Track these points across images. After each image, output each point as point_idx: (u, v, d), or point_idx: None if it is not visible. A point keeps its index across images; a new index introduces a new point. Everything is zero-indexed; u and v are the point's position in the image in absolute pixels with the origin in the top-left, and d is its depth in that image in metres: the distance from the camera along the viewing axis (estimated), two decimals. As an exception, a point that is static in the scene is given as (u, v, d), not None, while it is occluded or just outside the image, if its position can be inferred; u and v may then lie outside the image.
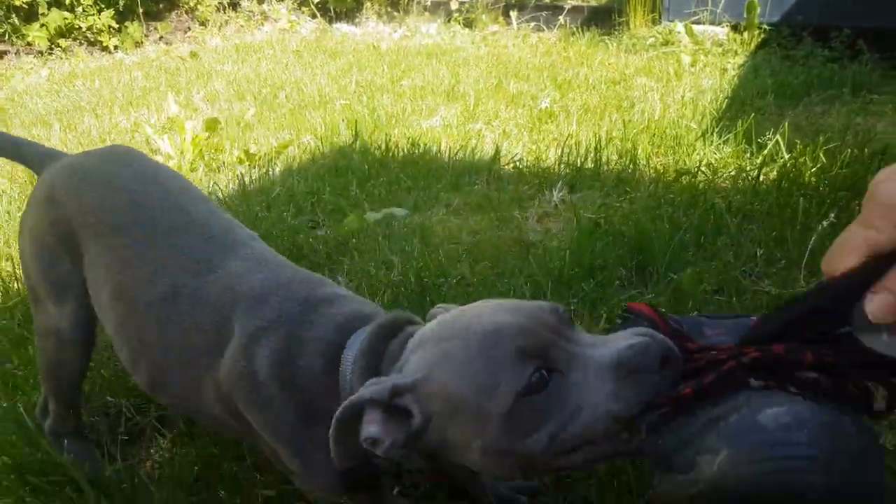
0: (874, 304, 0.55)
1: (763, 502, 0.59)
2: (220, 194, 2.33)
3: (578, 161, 2.52)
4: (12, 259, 1.83)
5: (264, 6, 6.56)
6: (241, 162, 2.62)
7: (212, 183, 2.44)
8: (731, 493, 0.60)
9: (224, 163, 2.62)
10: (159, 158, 2.66)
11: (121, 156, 1.13)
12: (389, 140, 2.78)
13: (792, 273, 1.68)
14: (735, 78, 3.86)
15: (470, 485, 1.12)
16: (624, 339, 0.70)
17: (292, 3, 6.67)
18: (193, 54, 5.01)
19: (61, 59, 5.26)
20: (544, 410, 0.69)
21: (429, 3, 6.69)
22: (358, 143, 2.76)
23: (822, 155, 2.26)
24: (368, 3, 6.70)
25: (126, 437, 1.28)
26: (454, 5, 6.40)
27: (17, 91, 4.14)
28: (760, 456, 0.59)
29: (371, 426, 0.74)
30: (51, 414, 1.17)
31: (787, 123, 2.53)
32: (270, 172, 2.53)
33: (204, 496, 1.09)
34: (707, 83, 3.68)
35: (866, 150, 2.33)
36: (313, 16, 6.57)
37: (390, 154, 2.66)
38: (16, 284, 1.74)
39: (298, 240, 1.88)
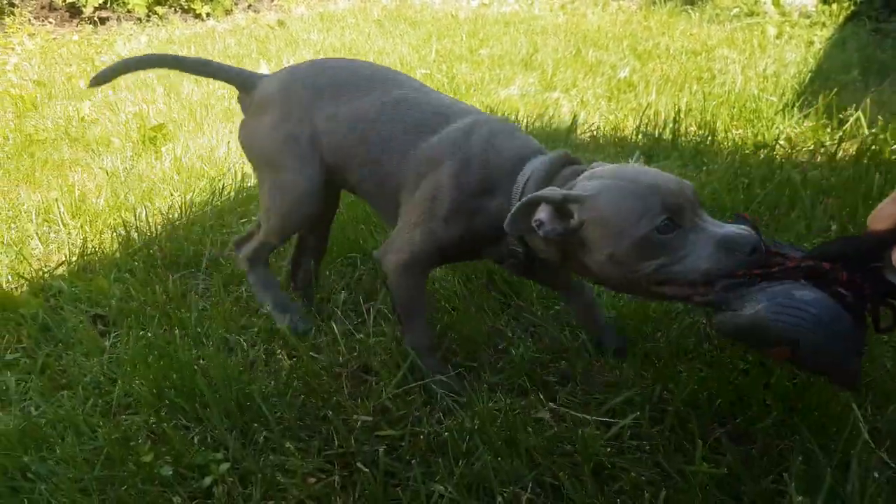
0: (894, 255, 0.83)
1: (775, 337, 0.90)
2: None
3: (657, 131, 2.54)
4: (133, 210, 2.03)
5: (347, -25, 6.68)
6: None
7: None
8: (759, 327, 0.91)
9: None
10: (256, 122, 2.83)
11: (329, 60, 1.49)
12: (470, 108, 2.86)
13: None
14: (821, 51, 3.74)
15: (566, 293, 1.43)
16: (732, 227, 0.99)
17: (374, -28, 6.75)
18: (281, 23, 5.18)
19: (158, 25, 5.54)
20: (662, 248, 1.00)
21: (508, -28, 6.65)
22: (440, 110, 2.85)
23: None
24: (448, -28, 6.72)
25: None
26: (533, -26, 6.35)
27: (120, 56, 4.41)
28: (782, 308, 0.89)
29: (542, 213, 1.05)
30: (255, 244, 1.46)
31: (868, 99, 2.47)
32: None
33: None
34: (791, 56, 3.58)
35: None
36: (394, -16, 6.63)
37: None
38: (135, 234, 1.92)
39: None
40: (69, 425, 1.19)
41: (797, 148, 2.32)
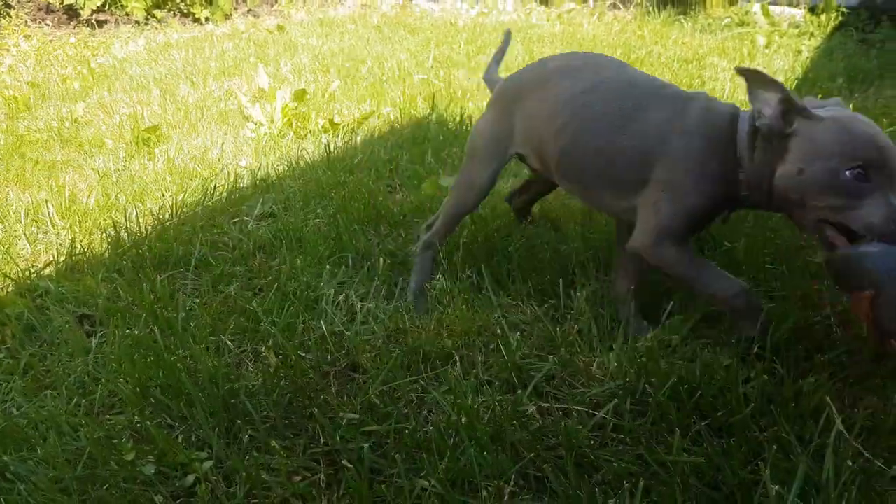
0: None
1: (867, 277, 1.06)
2: (307, 159, 2.46)
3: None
4: (124, 211, 2.00)
5: (346, -18, 6.68)
6: (325, 131, 2.74)
7: (299, 149, 2.58)
8: (859, 262, 1.08)
9: (310, 131, 2.75)
10: (251, 125, 2.81)
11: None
12: (464, 113, 2.85)
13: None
14: (808, 60, 3.75)
15: None
16: None
17: (373, -20, 6.76)
18: (280, 27, 5.17)
19: (156, 28, 5.52)
20: (842, 190, 1.10)
21: (504, -19, 6.66)
22: (434, 115, 2.85)
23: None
24: (446, -20, 6.73)
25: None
26: (530, -17, 6.36)
27: (117, 58, 4.39)
28: (886, 258, 1.05)
29: (768, 108, 1.15)
30: (434, 232, 1.64)
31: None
32: (353, 141, 2.64)
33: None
34: (779, 64, 3.59)
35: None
36: (392, -8, 6.64)
37: (464, 126, 2.73)
38: (125, 234, 1.89)
39: (377, 202, 1.98)
40: (51, 425, 1.17)
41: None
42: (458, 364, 1.35)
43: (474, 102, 3.09)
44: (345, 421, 1.17)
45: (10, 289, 1.62)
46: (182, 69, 3.87)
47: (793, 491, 0.98)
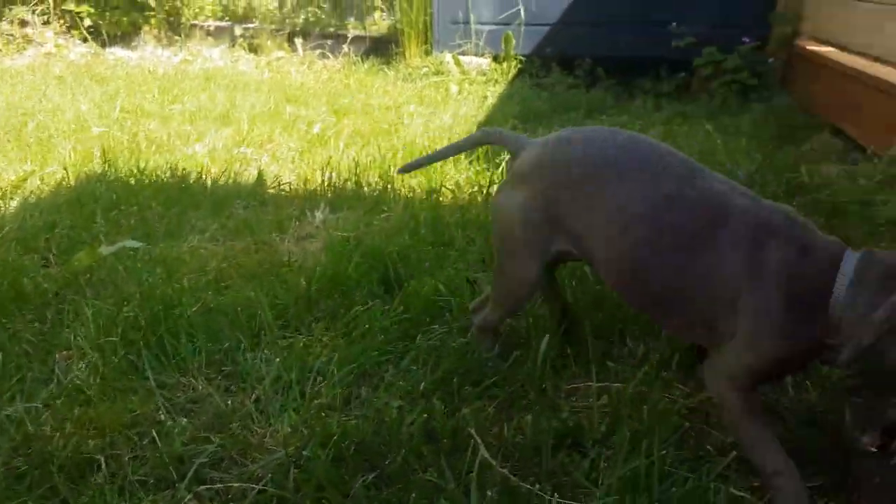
0: None
1: None
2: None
3: (341, 183, 2.52)
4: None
5: (27, 30, 5.88)
6: (-29, 199, 2.29)
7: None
8: None
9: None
10: None
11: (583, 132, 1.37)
12: (146, 167, 2.59)
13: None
14: (491, 105, 4.12)
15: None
16: None
17: (60, 26, 6.04)
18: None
19: None
20: None
21: (212, 28, 6.41)
22: (110, 171, 2.54)
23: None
24: (146, 27, 6.27)
25: None
26: (238, 31, 6.20)
27: None
28: None
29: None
30: (485, 315, 1.45)
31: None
32: (4, 209, 2.23)
33: None
34: (464, 109, 3.88)
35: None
36: (84, 39, 6.00)
37: (145, 181, 2.47)
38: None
39: (24, 280, 1.67)
40: None
41: (464, 191, 2.47)
42: (101, 469, 1.15)
43: (164, 154, 2.84)
44: None
45: None
46: None
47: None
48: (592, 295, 1.66)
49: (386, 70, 5.21)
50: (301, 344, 1.51)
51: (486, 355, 1.45)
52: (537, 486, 1.12)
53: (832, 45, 3.79)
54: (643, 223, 1.17)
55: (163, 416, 1.29)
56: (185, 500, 1.10)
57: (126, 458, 1.16)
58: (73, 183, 2.45)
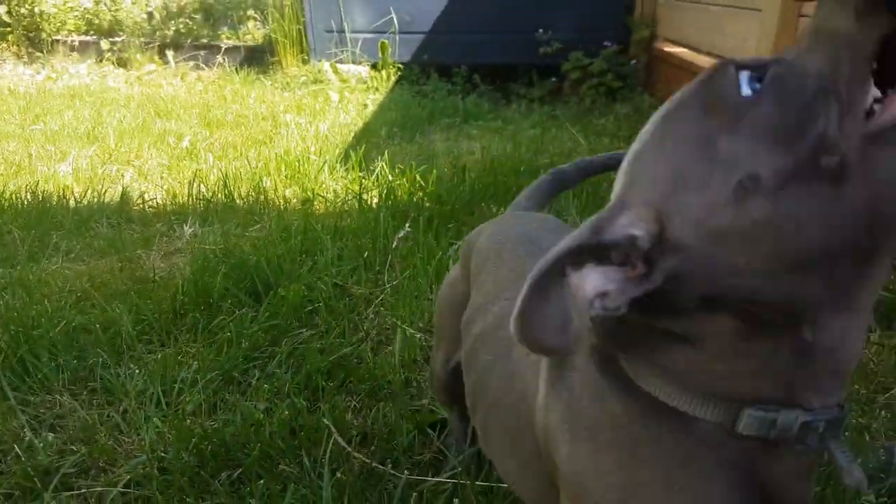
0: None
1: None
2: None
3: (210, 196, 2.56)
4: None
5: None
6: None
7: None
8: None
9: None
10: None
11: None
12: (5, 190, 2.52)
13: (381, 276, 1.93)
14: (371, 112, 4.24)
15: None
16: None
17: None
18: None
19: None
20: None
21: (77, 43, 6.16)
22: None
23: (417, 176, 2.61)
24: (4, 43, 5.95)
25: None
26: (105, 45, 5.99)
27: None
28: None
29: (587, 282, 0.52)
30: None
31: (387, 151, 2.88)
32: None
33: None
34: (344, 118, 3.98)
35: (456, 167, 2.77)
36: (-72, 56, 5.61)
37: (5, 205, 2.42)
38: None
39: None
40: None
41: (339, 198, 2.57)
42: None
43: (23, 177, 2.77)
44: None
45: None
46: None
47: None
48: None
49: (263, 79, 5.22)
50: (167, 356, 1.56)
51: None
52: (390, 466, 1.25)
53: (685, 45, 4.11)
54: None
55: (27, 433, 1.32)
56: (51, 507, 1.15)
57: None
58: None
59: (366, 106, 4.54)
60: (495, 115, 4.23)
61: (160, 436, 1.32)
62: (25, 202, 2.47)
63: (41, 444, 1.29)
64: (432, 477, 1.22)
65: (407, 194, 2.47)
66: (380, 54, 5.16)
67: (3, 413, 1.36)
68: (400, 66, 5.31)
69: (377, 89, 5.15)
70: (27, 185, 2.63)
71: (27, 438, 1.30)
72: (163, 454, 1.25)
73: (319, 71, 5.37)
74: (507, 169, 2.77)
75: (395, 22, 4.97)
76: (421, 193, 2.51)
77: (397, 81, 5.29)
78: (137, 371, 1.50)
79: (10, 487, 1.20)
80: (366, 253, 2.01)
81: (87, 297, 1.83)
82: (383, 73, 5.35)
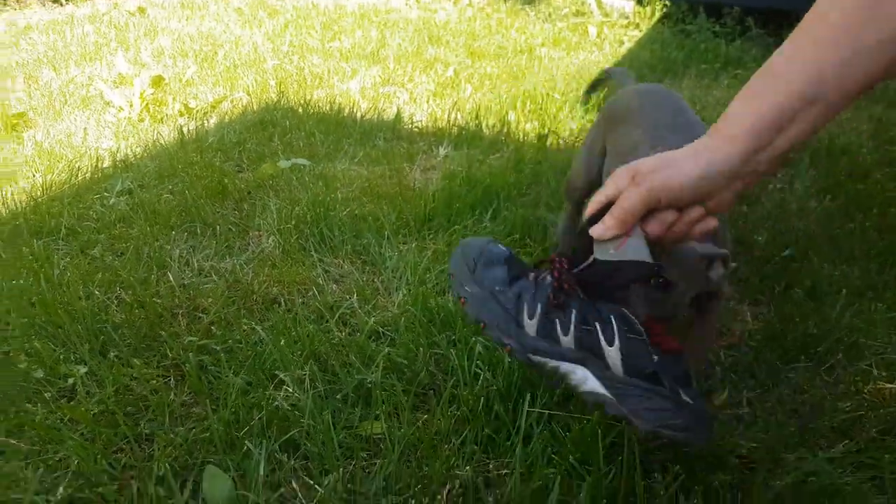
0: (594, 230, 0.95)
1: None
2: (162, 142, 2.87)
3: (464, 124, 3.13)
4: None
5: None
6: (181, 115, 3.15)
7: (155, 132, 2.98)
8: None
9: (167, 115, 3.15)
10: (111, 111, 3.17)
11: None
12: (310, 99, 3.33)
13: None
14: (624, 51, 4.48)
15: None
16: None
17: (237, -43, 6.99)
18: (141, 10, 5.39)
19: (15, 9, 5.58)
20: None
21: (370, -38, 7.10)
22: (283, 100, 3.31)
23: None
24: (311, -40, 7.07)
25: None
26: (393, -35, 6.84)
27: (-29, 38, 4.52)
28: None
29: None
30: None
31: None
32: (205, 124, 3.07)
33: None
34: (596, 55, 4.29)
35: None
36: (257, -30, 6.91)
37: (310, 112, 3.22)
38: (2, 208, 2.26)
39: (224, 180, 2.45)
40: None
41: (573, 137, 2.98)
42: (281, 305, 1.88)
43: (324, 89, 3.58)
44: (187, 341, 1.66)
45: None
46: (44, 54, 4.10)
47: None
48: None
49: (527, 10, 5.65)
50: (415, 248, 2.16)
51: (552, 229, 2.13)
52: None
53: None
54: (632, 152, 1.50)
55: (321, 281, 1.99)
56: (332, 329, 1.80)
57: (297, 301, 1.88)
58: (255, 108, 3.25)
59: (622, 43, 4.76)
60: (759, 65, 4.20)
61: (405, 298, 1.91)
62: (325, 111, 3.26)
63: (328, 290, 1.95)
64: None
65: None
66: (647, -10, 5.27)
67: (308, 265, 2.05)
68: (667, 2, 5.34)
69: (638, 26, 5.29)
70: (327, 97, 3.42)
71: (321, 283, 1.98)
72: (408, 308, 1.83)
73: (583, 3, 5.64)
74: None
75: (671, -43, 5.02)
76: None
77: (661, 19, 5.34)
78: (395, 254, 2.11)
79: (308, 313, 1.87)
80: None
81: (365, 194, 2.50)
82: (648, 8, 5.45)
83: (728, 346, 1.69)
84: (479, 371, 1.55)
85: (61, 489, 1.25)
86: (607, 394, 0.98)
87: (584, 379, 1.00)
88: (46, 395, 1.47)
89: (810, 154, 2.66)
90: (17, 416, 1.41)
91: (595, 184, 1.80)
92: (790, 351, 1.65)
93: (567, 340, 0.99)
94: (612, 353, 0.97)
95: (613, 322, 0.98)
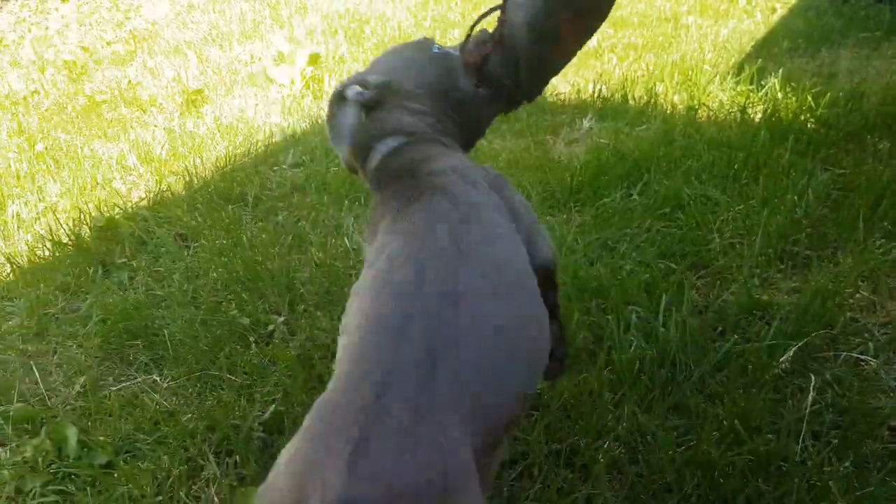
0: None
1: None
2: (323, 118, 3.13)
3: (609, 95, 3.17)
4: (191, 159, 2.69)
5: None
6: (338, 91, 3.41)
7: (318, 108, 3.25)
8: None
9: (326, 92, 3.41)
10: (275, 87, 3.48)
11: None
12: (457, 74, 3.49)
13: (746, 188, 2.34)
14: (777, 18, 4.30)
15: None
16: None
17: (378, -68, 7.24)
18: (292, -14, 5.75)
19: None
20: None
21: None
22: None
23: (809, 96, 2.84)
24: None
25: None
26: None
27: (150, 21, 5.03)
28: None
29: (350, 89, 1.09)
30: None
31: (781, 70, 3.08)
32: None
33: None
34: (747, 23, 4.16)
35: (854, 92, 2.88)
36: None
37: (457, 86, 3.37)
38: (194, 178, 2.59)
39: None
40: (172, 300, 1.89)
41: (724, 109, 2.95)
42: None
43: (468, 64, 3.72)
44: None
45: (118, 215, 2.34)
46: (209, 32, 4.52)
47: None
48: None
49: (674, -26, 5.49)
50: (561, 220, 2.27)
51: None
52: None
53: None
54: None
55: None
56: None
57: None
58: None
59: (774, 10, 4.56)
60: (927, 33, 3.91)
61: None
62: (471, 85, 3.40)
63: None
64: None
65: (792, 114, 2.74)
66: (806, -50, 4.99)
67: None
68: (826, -37, 5.03)
69: (793, -10, 5.03)
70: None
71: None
72: (563, 277, 1.95)
73: (733, -33, 5.40)
74: (913, 100, 2.78)
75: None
76: (808, 115, 2.75)
77: (819, -18, 5.05)
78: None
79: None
80: (735, 166, 2.42)
81: (511, 166, 2.63)
82: (805, -29, 5.15)
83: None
84: (633, 339, 1.66)
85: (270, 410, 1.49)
86: None
87: None
88: (251, 338, 1.73)
89: None
90: (231, 356, 1.67)
91: None
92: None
93: None
94: None
95: None
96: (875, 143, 2.49)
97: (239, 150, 2.81)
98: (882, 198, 2.09)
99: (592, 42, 3.92)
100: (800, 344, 1.60)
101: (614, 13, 4.55)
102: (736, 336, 1.64)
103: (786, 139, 2.51)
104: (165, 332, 1.74)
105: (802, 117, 2.75)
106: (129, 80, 3.64)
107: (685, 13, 4.54)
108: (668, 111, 3.02)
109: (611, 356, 1.62)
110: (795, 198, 2.07)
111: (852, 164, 2.31)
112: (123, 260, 2.13)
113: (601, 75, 3.37)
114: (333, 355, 1.68)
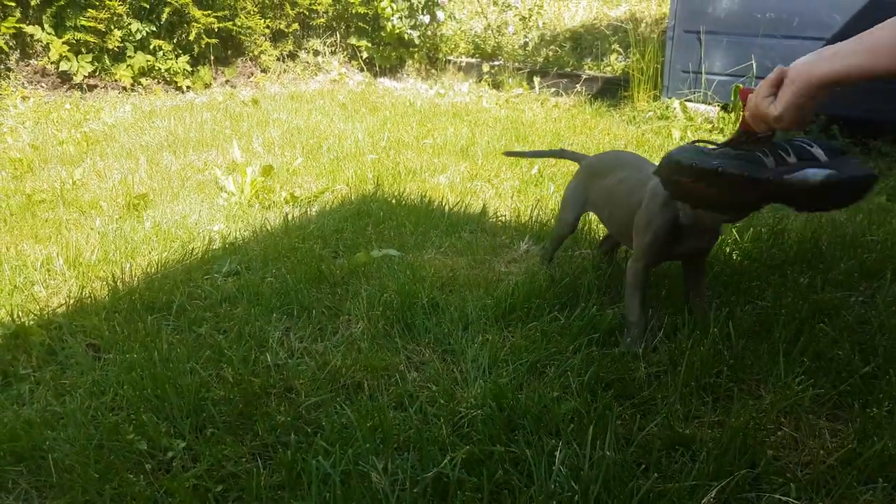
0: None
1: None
2: (268, 227, 3.05)
3: (545, 220, 3.18)
4: (120, 265, 2.54)
5: (318, 58, 7.42)
6: (287, 202, 3.35)
7: (263, 218, 3.17)
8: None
9: (274, 202, 3.35)
10: (224, 195, 3.40)
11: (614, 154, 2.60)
12: (403, 192, 3.48)
13: (677, 316, 2.29)
14: (707, 155, 4.47)
15: None
16: None
17: (343, 57, 7.52)
18: (255, 101, 5.83)
19: (142, 95, 6.15)
20: None
21: (464, 64, 7.47)
22: (379, 192, 3.47)
23: (733, 230, 2.87)
24: (410, 61, 7.52)
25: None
26: (486, 67, 7.17)
27: (107, 124, 4.99)
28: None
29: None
30: (547, 251, 2.70)
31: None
32: (308, 212, 3.24)
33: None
34: (678, 159, 4.29)
35: (774, 230, 2.95)
36: (361, 69, 7.40)
37: (402, 203, 3.35)
38: (120, 284, 2.44)
39: (322, 266, 2.57)
40: (71, 418, 1.70)
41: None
42: (365, 391, 1.92)
43: (416, 182, 3.73)
44: (279, 420, 1.72)
45: (31, 322, 2.16)
46: (165, 138, 4.48)
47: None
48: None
49: (612, 112, 5.76)
50: (495, 338, 2.18)
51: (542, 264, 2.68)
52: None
53: None
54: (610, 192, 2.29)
55: (402, 367, 2.03)
56: (412, 418, 1.82)
57: (381, 386, 1.92)
58: (353, 199, 3.41)
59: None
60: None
61: (481, 391, 1.91)
62: (416, 203, 3.39)
63: (410, 378, 1.99)
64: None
65: (718, 247, 2.76)
66: (732, 97, 5.32)
67: (391, 351, 2.10)
68: (751, 109, 5.33)
69: (722, 130, 5.31)
70: (419, 189, 3.56)
71: (402, 372, 2.02)
72: (487, 402, 1.83)
73: (668, 108, 5.71)
74: (834, 241, 2.84)
75: (755, 68, 5.08)
76: (734, 246, 2.78)
77: (745, 124, 5.33)
78: (472, 344, 2.13)
79: (390, 399, 1.90)
80: (664, 292, 2.39)
81: (448, 284, 2.56)
82: (732, 114, 5.47)
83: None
84: (558, 479, 1.53)
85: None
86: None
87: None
88: (147, 466, 1.55)
89: (893, 269, 2.55)
90: (121, 486, 1.48)
91: (577, 219, 2.57)
92: (866, 471, 1.56)
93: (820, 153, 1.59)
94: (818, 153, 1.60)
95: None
96: (796, 278, 2.51)
97: (174, 257, 2.69)
98: (800, 333, 2.07)
99: (534, 170, 3.99)
100: (722, 484, 1.51)
101: (557, 143, 4.71)
102: (657, 475, 1.53)
103: (711, 269, 2.51)
104: (51, 456, 1.55)
105: (727, 249, 2.78)
106: (74, 181, 3.52)
107: (623, 147, 4.69)
108: (597, 238, 3.02)
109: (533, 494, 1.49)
110: (716, 331, 2.03)
111: (773, 297, 2.30)
112: (28, 371, 1.94)
113: (539, 201, 3.40)
114: (239, 486, 1.53)
